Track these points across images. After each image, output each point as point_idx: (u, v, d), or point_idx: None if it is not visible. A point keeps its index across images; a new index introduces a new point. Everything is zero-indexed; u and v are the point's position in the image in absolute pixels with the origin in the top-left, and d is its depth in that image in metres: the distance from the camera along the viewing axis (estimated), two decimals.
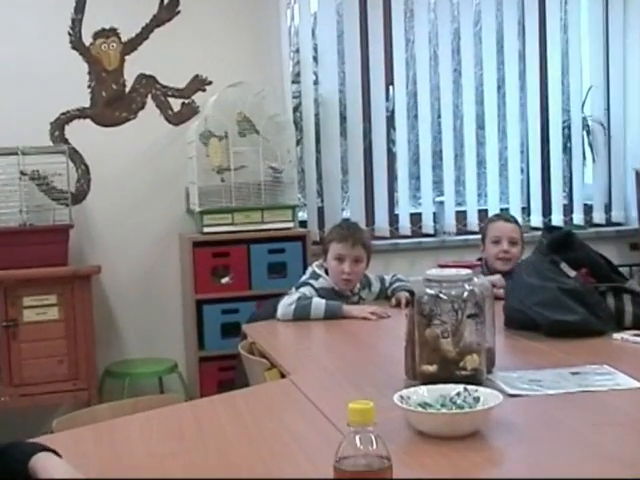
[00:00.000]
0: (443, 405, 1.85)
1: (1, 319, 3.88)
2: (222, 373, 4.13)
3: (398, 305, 3.49)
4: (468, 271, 2.20)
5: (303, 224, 4.69)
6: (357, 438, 1.32)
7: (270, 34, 4.63)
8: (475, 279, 2.18)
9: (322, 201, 4.84)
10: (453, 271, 2.20)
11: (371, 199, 4.91)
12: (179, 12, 4.56)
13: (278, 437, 1.92)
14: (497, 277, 3.47)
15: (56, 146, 4.35)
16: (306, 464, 1.73)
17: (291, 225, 4.40)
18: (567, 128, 5.10)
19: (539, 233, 3.50)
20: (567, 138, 5.11)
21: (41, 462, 1.56)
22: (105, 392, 4.24)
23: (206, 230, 4.27)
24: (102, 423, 2.10)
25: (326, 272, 3.53)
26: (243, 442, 1.88)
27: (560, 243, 2.99)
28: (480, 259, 3.90)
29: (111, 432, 2.02)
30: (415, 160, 5.00)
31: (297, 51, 4.79)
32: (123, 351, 4.55)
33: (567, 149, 5.12)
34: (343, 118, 4.84)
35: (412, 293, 3.36)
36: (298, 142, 4.67)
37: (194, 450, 1.83)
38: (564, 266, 2.90)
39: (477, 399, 1.85)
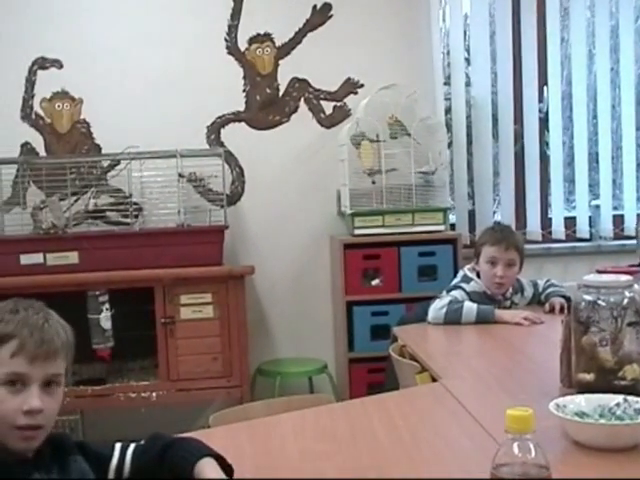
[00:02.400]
0: (601, 415, 1.80)
1: (160, 316, 4.02)
2: (371, 375, 4.15)
3: (552, 311, 3.42)
4: (628, 277, 2.13)
5: (452, 227, 4.65)
6: (515, 445, 1.30)
7: (421, 36, 4.61)
8: (636, 286, 2.10)
9: (473, 204, 4.78)
10: (612, 277, 2.14)
11: (522, 202, 4.81)
12: (331, 16, 4.61)
13: (430, 441, 1.91)
14: None
15: (212, 149, 4.47)
16: (458, 469, 1.71)
17: (442, 228, 4.37)
18: None
19: None
20: None
21: (205, 471, 1.59)
22: (256, 390, 4.33)
23: (357, 232, 4.29)
24: (256, 420, 2.15)
25: (478, 275, 3.49)
26: (395, 445, 1.88)
27: None
28: None
29: (265, 429, 2.05)
30: (569, 162, 4.87)
31: (448, 53, 4.75)
32: (274, 350, 4.63)
33: None
34: (495, 120, 4.77)
35: (567, 299, 3.30)
36: (449, 144, 4.63)
37: (346, 451, 1.85)
38: None
39: (638, 411, 1.79)
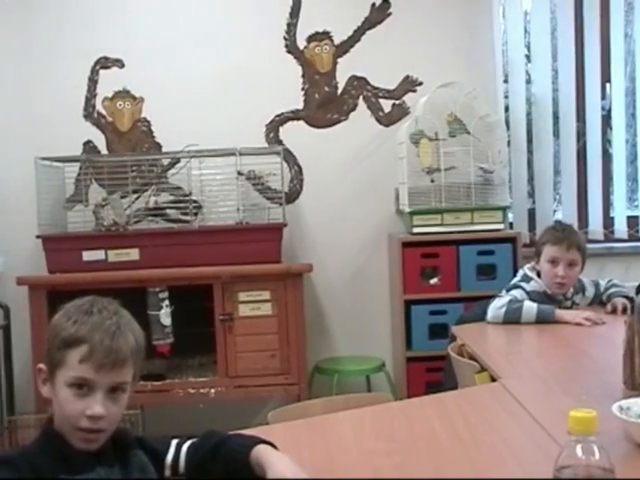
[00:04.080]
0: None
1: (218, 313, 4.05)
2: (429, 374, 4.13)
3: (614, 312, 3.36)
4: None
5: (510, 226, 4.60)
6: (578, 448, 1.28)
7: (481, 33, 4.58)
8: None
9: (533, 203, 4.73)
10: None
11: (584, 201, 4.75)
12: (390, 14, 4.60)
13: (490, 441, 1.90)
14: None
15: (271, 147, 4.49)
16: (517, 470, 1.69)
17: (501, 227, 4.33)
18: None
19: None
20: None
21: (263, 453, 1.61)
22: (314, 387, 4.34)
23: (415, 230, 4.28)
24: (314, 418, 2.15)
25: (538, 275, 3.45)
26: (454, 445, 1.87)
27: None
28: None
29: (323, 427, 2.06)
30: (632, 160, 4.79)
31: (507, 50, 4.70)
32: (332, 348, 4.64)
33: None
34: (556, 117, 4.71)
35: (631, 299, 3.25)
36: (508, 142, 4.58)
37: (405, 450, 1.84)
38: None
39: None
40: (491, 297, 3.42)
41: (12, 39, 4.47)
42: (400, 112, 4.62)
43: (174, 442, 1.71)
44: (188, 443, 1.71)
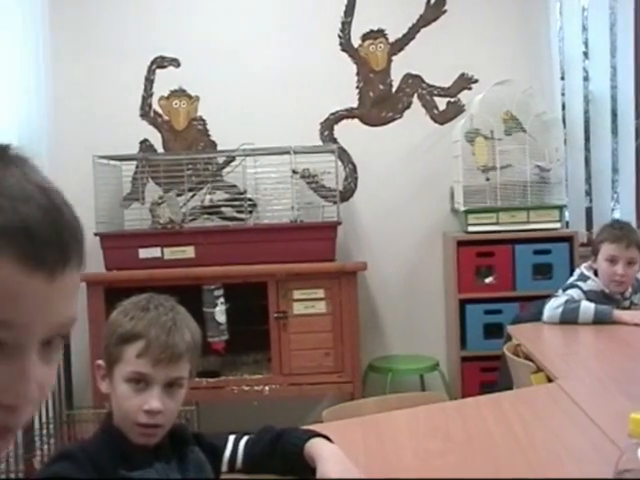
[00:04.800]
0: None
1: (273, 311, 4.07)
2: (484, 374, 4.10)
3: None
4: None
5: (566, 225, 4.55)
6: (639, 451, 1.26)
7: (537, 30, 4.53)
8: None
9: (590, 201, 4.67)
10: None
11: None
12: (445, 11, 4.57)
13: (546, 443, 1.88)
14: None
15: (325, 145, 4.50)
16: (575, 471, 1.67)
17: (558, 226, 4.28)
18: None
19: None
20: None
21: (318, 446, 1.62)
22: (368, 386, 4.33)
23: (470, 229, 4.25)
24: (369, 416, 2.15)
25: (595, 274, 3.41)
26: (510, 446, 1.85)
27: None
28: None
29: (378, 426, 2.06)
30: None
31: (563, 46, 4.64)
32: (386, 347, 4.63)
33: None
34: (614, 115, 4.64)
35: None
36: (565, 140, 4.53)
37: (461, 450, 1.83)
38: None
39: None
40: (547, 297, 3.39)
41: (71, 39, 4.54)
42: (455, 110, 4.60)
43: (231, 438, 1.73)
44: (245, 438, 1.72)
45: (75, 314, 0.81)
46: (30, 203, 0.76)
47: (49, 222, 0.77)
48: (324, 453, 1.61)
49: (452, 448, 1.84)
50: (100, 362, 1.64)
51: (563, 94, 4.63)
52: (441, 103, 4.60)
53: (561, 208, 4.30)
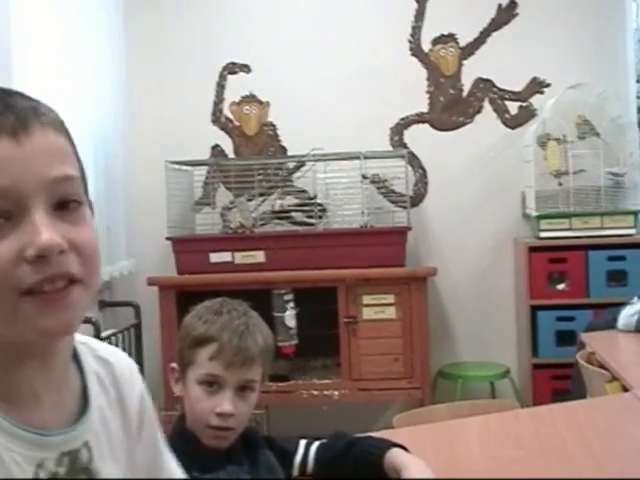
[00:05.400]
0: None
1: (343, 315, 4.07)
2: (556, 381, 4.04)
3: None
4: None
5: None
6: None
7: (611, 32, 4.46)
8: None
9: None
10: None
11: None
12: (517, 14, 4.53)
13: (622, 454, 1.84)
14: None
15: (395, 150, 4.48)
16: None
17: (633, 232, 4.19)
18: None
19: None
20: None
21: (398, 457, 1.61)
22: (437, 392, 4.30)
23: (542, 235, 4.19)
24: (440, 423, 2.14)
25: None
26: (584, 455, 1.82)
27: None
28: None
29: (449, 432, 2.04)
30: None
31: (639, 49, 4.54)
32: (456, 353, 4.59)
33: None
34: None
35: None
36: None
37: (534, 458, 1.81)
38: None
39: None
40: (622, 304, 3.33)
41: (144, 45, 4.61)
42: (527, 114, 4.54)
43: (302, 442, 1.73)
44: (317, 443, 1.72)
45: (69, 173, 0.91)
46: None
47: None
48: (409, 462, 1.60)
49: (524, 456, 1.82)
50: (174, 365, 1.67)
51: (638, 97, 4.53)
52: (512, 107, 4.55)
53: (636, 214, 4.21)
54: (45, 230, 0.86)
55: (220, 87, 4.63)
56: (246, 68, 4.62)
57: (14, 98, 0.90)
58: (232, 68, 4.62)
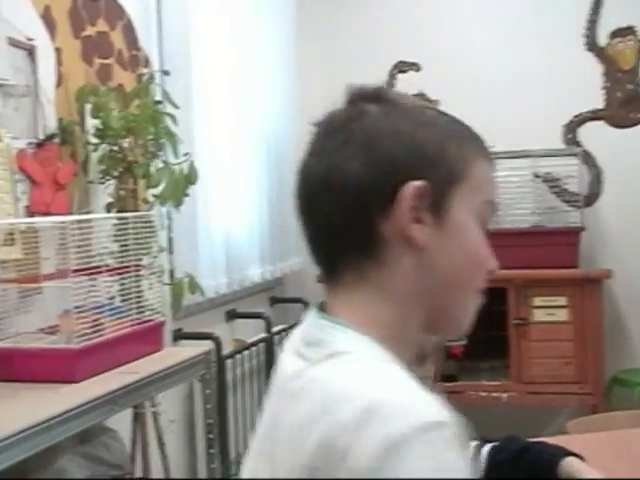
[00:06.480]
0: None
1: (513, 317, 3.99)
2: None
3: None
4: None
5: None
6: None
7: None
8: None
9: None
10: None
11: None
12: None
13: None
14: None
15: (568, 148, 4.36)
16: None
17: None
18: None
19: None
20: None
21: (575, 465, 1.56)
22: (612, 399, 4.14)
23: None
24: (619, 431, 2.06)
25: None
26: None
27: None
28: None
29: (629, 442, 1.96)
30: None
31: None
32: (634, 359, 4.40)
33: None
34: None
35: None
36: None
37: None
38: None
39: None
40: None
41: (315, 46, 4.67)
42: None
43: (472, 444, 1.70)
44: (488, 446, 1.69)
45: None
46: None
47: None
48: (587, 473, 1.54)
49: None
50: None
51: None
52: None
53: None
54: None
55: (390, 86, 4.64)
56: (415, 67, 4.60)
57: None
58: (402, 67, 4.62)
